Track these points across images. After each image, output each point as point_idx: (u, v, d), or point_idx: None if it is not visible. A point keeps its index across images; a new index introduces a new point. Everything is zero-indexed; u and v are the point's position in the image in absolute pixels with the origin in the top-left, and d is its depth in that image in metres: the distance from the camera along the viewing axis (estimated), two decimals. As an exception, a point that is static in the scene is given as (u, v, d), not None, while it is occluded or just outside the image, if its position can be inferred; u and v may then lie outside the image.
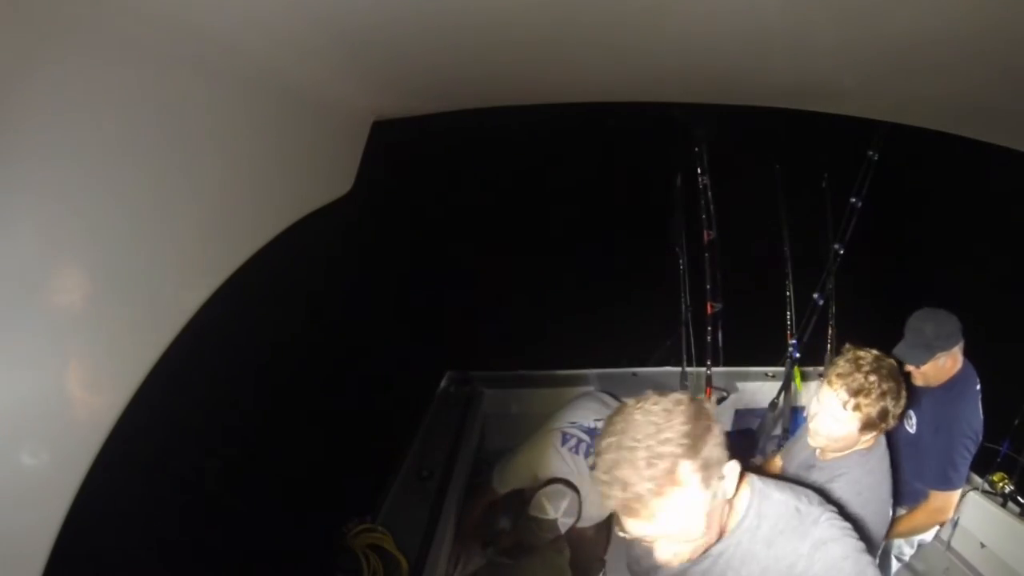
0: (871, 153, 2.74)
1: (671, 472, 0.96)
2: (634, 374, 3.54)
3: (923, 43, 1.04)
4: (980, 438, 2.09)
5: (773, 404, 3.16)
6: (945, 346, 2.03)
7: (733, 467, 1.07)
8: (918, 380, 2.10)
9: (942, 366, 2.07)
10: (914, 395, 2.08)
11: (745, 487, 1.15)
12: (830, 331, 3.16)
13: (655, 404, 1.01)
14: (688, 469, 0.97)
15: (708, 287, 3.07)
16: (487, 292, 7.27)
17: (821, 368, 3.16)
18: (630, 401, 1.05)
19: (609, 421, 1.05)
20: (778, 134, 2.99)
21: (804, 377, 3.25)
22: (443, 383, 3.84)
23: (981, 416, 2.10)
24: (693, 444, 0.98)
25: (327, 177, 1.27)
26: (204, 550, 2.67)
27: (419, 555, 2.07)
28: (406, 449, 2.97)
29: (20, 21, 0.56)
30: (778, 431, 3.22)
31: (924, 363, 2.02)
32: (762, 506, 1.14)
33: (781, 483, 1.22)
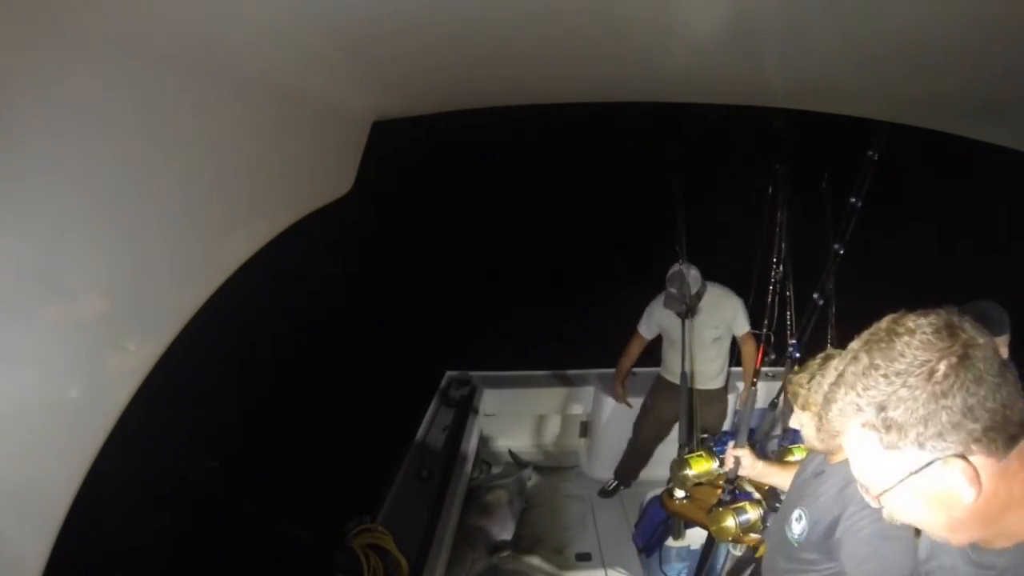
0: (871, 153, 2.73)
1: None
2: (634, 373, 3.55)
3: (923, 43, 1.04)
4: None
5: (773, 404, 3.16)
6: (994, 332, 2.16)
7: None
8: None
9: None
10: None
11: None
12: (830, 331, 3.15)
13: None
14: None
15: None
16: (486, 292, 7.27)
17: None
18: None
19: None
20: (778, 134, 2.98)
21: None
22: (443, 383, 3.83)
23: None
24: None
25: (327, 177, 1.27)
26: (204, 549, 2.68)
27: (419, 555, 2.06)
28: (406, 449, 2.97)
29: (23, 23, 0.56)
30: (778, 431, 3.21)
31: None
32: None
33: None
